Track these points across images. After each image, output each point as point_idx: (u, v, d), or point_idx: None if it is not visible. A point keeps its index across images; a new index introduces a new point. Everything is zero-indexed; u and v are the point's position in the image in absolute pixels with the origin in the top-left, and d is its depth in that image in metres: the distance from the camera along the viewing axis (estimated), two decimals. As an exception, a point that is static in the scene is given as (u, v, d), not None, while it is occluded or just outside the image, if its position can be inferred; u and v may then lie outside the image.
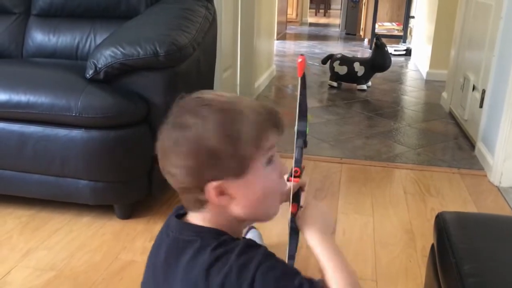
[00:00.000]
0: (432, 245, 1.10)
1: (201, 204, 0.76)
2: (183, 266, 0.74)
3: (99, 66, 1.66)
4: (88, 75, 1.68)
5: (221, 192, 0.74)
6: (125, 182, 1.71)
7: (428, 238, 1.64)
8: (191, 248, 0.74)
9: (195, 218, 0.78)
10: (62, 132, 1.62)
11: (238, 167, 0.74)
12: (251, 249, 0.73)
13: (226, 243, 0.74)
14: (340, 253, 0.83)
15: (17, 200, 1.82)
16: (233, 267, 0.70)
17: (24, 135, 1.65)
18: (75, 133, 1.62)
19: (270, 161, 0.79)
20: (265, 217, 0.82)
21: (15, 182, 1.74)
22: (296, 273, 0.74)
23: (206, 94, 0.80)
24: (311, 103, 3.53)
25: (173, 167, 0.75)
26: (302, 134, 0.98)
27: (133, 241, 1.65)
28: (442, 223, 1.03)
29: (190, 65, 1.81)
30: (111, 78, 1.68)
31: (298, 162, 0.97)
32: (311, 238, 0.83)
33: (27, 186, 1.74)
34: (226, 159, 0.73)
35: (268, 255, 0.74)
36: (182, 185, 0.76)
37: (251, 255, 0.72)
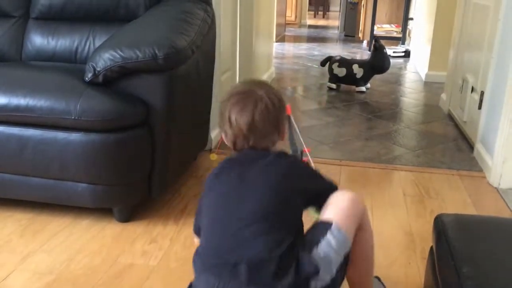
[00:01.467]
0: (431, 248, 1.10)
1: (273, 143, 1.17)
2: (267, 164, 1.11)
3: (98, 69, 1.66)
4: (87, 78, 1.68)
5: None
6: (124, 185, 1.71)
7: (427, 240, 1.64)
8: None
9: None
10: (61, 135, 1.62)
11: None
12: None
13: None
14: None
15: (17, 203, 1.82)
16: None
17: (24, 138, 1.65)
18: (74, 136, 1.62)
19: None
20: None
21: (15, 185, 1.74)
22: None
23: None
24: (310, 105, 3.53)
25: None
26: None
27: (132, 244, 1.65)
28: (441, 226, 1.03)
29: (189, 67, 1.81)
30: (110, 81, 1.69)
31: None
32: None
33: (27, 189, 1.74)
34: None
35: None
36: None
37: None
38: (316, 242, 1.02)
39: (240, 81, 1.20)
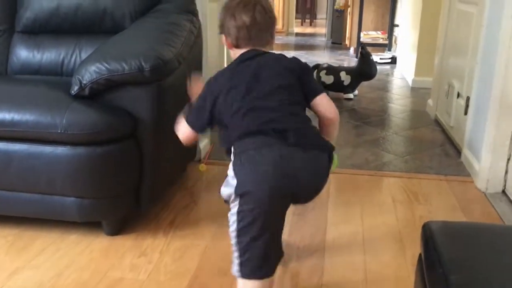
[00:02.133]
0: (420, 255, 1.10)
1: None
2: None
3: (84, 82, 1.65)
4: (73, 92, 1.67)
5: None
6: (112, 198, 1.70)
7: (417, 246, 1.64)
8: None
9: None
10: (47, 149, 1.61)
11: None
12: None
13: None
14: None
15: (2, 219, 1.80)
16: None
17: (9, 153, 1.63)
18: (61, 150, 1.60)
19: None
20: None
21: (0, 201, 1.71)
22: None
23: None
24: (299, 113, 3.53)
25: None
26: None
27: (121, 258, 1.63)
28: (428, 233, 1.04)
29: (176, 79, 1.81)
30: (97, 94, 1.68)
31: None
32: None
33: (13, 205, 1.72)
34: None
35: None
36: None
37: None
38: None
39: None
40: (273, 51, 1.39)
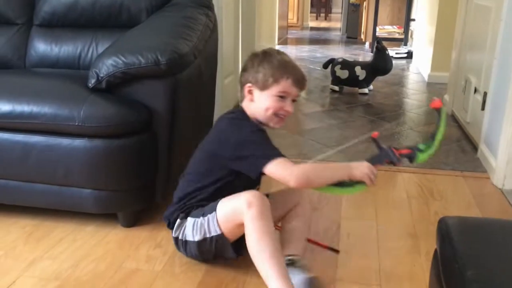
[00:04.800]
0: (436, 251, 1.10)
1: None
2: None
3: (101, 75, 1.67)
4: (90, 85, 1.69)
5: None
6: (128, 191, 1.72)
7: (432, 242, 1.63)
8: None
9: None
10: (65, 141, 1.63)
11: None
12: (250, 124, 1.48)
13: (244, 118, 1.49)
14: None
15: (21, 209, 1.83)
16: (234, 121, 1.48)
17: (28, 145, 1.66)
18: (78, 142, 1.63)
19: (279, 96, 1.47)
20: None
21: (19, 192, 1.74)
22: (269, 149, 1.41)
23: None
24: (313, 107, 3.53)
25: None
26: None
27: (137, 250, 1.65)
28: (444, 228, 1.03)
29: (191, 72, 1.82)
30: (113, 87, 1.69)
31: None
32: None
33: (31, 196, 1.74)
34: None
35: (257, 131, 1.44)
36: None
37: (247, 123, 1.47)
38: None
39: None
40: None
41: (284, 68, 1.46)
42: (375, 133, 1.46)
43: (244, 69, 1.51)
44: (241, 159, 1.40)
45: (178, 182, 1.59)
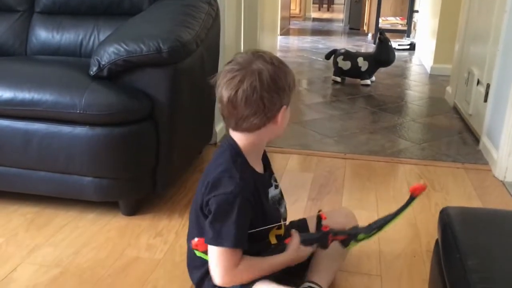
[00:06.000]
0: (437, 241, 1.10)
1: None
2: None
3: (103, 63, 1.66)
4: (91, 72, 1.68)
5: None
6: (129, 179, 1.72)
7: (432, 233, 1.64)
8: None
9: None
10: (66, 129, 1.63)
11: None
12: (234, 188, 1.08)
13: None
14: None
15: (23, 197, 1.83)
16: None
17: (29, 132, 1.65)
18: (80, 130, 1.62)
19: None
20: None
21: (20, 179, 1.74)
22: (239, 225, 1.08)
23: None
24: (315, 98, 3.52)
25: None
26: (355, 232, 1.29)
27: (138, 238, 1.66)
28: (446, 219, 1.03)
29: (193, 61, 1.81)
30: (115, 75, 1.69)
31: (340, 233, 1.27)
32: None
33: (32, 183, 1.74)
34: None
35: (237, 199, 1.07)
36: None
37: (229, 189, 1.08)
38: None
39: (247, 50, 1.15)
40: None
41: (291, 72, 1.17)
42: (323, 215, 1.31)
43: (275, 89, 1.07)
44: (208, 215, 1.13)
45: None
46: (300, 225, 1.40)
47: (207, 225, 1.10)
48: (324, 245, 1.25)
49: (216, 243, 1.09)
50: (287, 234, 1.26)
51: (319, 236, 1.25)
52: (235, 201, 1.07)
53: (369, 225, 1.27)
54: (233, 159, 1.13)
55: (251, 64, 1.05)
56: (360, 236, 1.25)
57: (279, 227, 1.25)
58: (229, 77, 1.05)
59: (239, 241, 1.09)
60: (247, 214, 1.10)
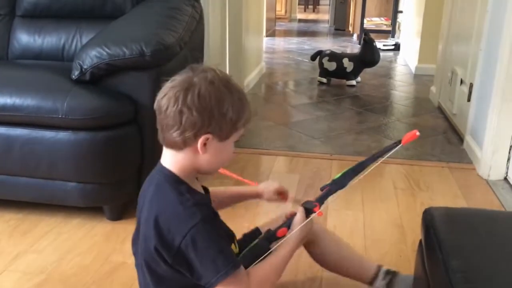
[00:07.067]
0: (420, 241, 1.11)
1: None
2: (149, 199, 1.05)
3: (85, 67, 1.64)
4: (74, 76, 1.67)
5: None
6: (114, 183, 1.70)
7: (418, 233, 1.63)
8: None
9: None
10: (49, 134, 1.61)
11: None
12: (196, 212, 0.97)
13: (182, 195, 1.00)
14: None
15: (5, 203, 1.80)
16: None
17: (10, 138, 1.63)
18: (62, 135, 1.60)
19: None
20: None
21: (3, 186, 1.72)
22: (221, 251, 0.97)
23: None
24: (301, 99, 3.53)
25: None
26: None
27: (123, 243, 1.64)
28: (429, 219, 1.04)
29: (177, 64, 1.79)
30: (98, 79, 1.67)
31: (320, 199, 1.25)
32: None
33: (15, 189, 1.72)
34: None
35: (207, 222, 0.97)
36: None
37: (192, 221, 0.96)
38: None
39: (207, 66, 1.03)
40: None
41: (246, 106, 1.02)
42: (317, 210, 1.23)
43: (198, 108, 0.95)
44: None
45: None
46: (254, 235, 1.31)
47: (199, 268, 0.97)
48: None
49: (219, 277, 0.96)
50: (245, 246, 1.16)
51: (320, 196, 1.23)
52: (206, 226, 0.97)
53: (344, 173, 1.30)
54: (176, 189, 1.01)
55: (192, 77, 0.97)
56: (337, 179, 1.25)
57: (234, 243, 1.15)
58: (168, 82, 1.00)
59: (235, 260, 1.00)
60: (221, 232, 1.03)
